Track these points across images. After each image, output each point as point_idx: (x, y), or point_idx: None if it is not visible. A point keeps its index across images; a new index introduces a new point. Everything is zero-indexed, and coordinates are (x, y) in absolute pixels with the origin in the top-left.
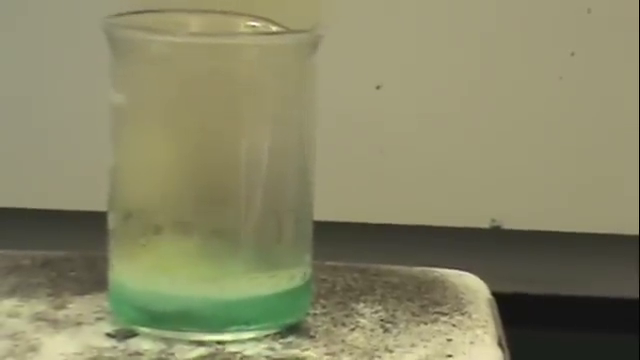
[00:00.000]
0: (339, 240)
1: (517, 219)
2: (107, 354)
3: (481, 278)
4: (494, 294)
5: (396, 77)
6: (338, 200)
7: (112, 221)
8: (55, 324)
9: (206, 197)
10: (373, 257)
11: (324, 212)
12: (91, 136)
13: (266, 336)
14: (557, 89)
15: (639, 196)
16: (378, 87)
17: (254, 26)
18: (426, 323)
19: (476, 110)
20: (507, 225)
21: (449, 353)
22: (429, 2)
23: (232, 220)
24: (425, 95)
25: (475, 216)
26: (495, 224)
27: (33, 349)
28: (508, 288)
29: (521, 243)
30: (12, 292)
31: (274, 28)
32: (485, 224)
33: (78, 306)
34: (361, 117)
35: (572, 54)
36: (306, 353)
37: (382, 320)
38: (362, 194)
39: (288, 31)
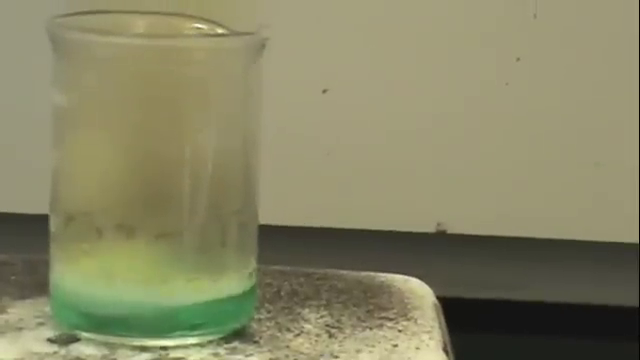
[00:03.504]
0: (284, 244)
1: (463, 224)
2: (48, 359)
3: (427, 282)
4: (440, 298)
5: (343, 81)
6: (283, 204)
7: (54, 224)
8: None
9: (149, 200)
10: (318, 261)
11: (269, 216)
12: (32, 138)
13: (210, 341)
14: (503, 95)
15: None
16: (324, 91)
17: (200, 28)
18: (372, 328)
19: (422, 115)
20: (453, 230)
21: (395, 359)
22: (376, 7)
23: (175, 223)
24: (371, 99)
25: (421, 220)
26: (441, 228)
27: None
28: (454, 292)
29: (466, 247)
30: None
31: (220, 30)
32: (431, 228)
33: (19, 311)
34: (307, 121)
35: (518, 59)
36: (250, 359)
37: (327, 325)
38: (308, 198)
39: (234, 33)
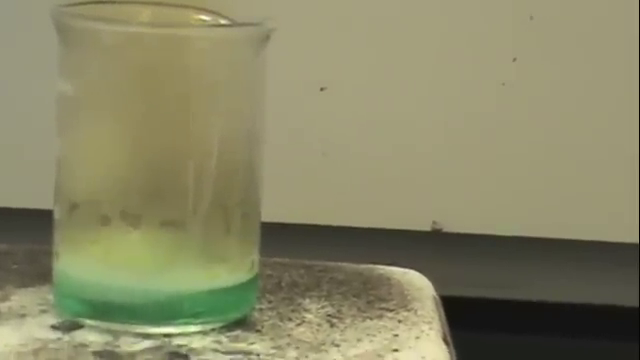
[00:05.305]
0: (280, 242)
1: (458, 222)
2: (52, 345)
3: None
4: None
5: (341, 79)
6: (279, 201)
7: (58, 212)
8: None
9: (154, 188)
10: (313, 259)
11: (265, 213)
12: (36, 130)
13: (212, 329)
14: (499, 95)
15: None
16: (322, 89)
17: (204, 19)
18: (372, 319)
19: (419, 114)
20: (448, 228)
21: (395, 347)
22: (374, 6)
23: (179, 212)
24: (369, 98)
25: (416, 219)
26: (436, 227)
27: None
28: (449, 291)
29: (462, 246)
30: None
31: (223, 21)
32: (426, 227)
33: (21, 298)
34: (305, 118)
35: (514, 60)
36: (253, 347)
37: (328, 315)
38: (304, 196)
39: (239, 24)
